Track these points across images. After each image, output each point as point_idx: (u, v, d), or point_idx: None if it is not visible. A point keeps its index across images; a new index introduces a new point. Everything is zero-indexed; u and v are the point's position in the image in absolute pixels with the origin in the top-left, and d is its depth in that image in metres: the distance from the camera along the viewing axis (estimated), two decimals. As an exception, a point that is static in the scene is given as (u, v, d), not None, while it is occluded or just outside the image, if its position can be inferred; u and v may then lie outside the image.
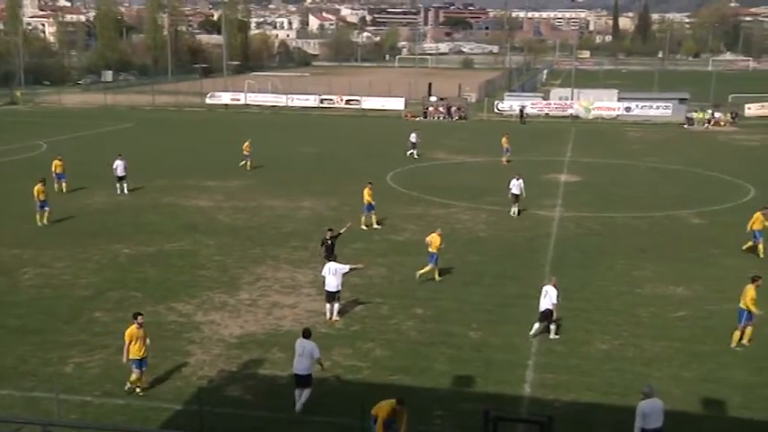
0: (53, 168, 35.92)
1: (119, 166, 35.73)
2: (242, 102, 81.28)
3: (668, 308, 21.06)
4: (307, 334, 15.64)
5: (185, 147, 52.41)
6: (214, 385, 16.41)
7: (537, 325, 18.99)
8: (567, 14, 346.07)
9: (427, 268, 23.28)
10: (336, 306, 20.16)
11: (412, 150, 47.18)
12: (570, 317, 20.36)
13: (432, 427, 14.82)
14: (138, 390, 15.90)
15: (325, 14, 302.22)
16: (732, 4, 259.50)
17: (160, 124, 66.56)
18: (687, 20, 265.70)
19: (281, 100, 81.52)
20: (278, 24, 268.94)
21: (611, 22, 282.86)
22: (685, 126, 65.78)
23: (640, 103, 72.42)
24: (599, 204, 34.43)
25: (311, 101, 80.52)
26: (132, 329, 15.75)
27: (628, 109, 71.85)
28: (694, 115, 67.11)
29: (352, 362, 17.60)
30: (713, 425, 15.04)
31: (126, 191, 35.45)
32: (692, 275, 23.97)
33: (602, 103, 73.01)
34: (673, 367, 17.33)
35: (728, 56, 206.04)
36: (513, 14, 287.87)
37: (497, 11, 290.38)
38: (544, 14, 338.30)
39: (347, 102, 79.30)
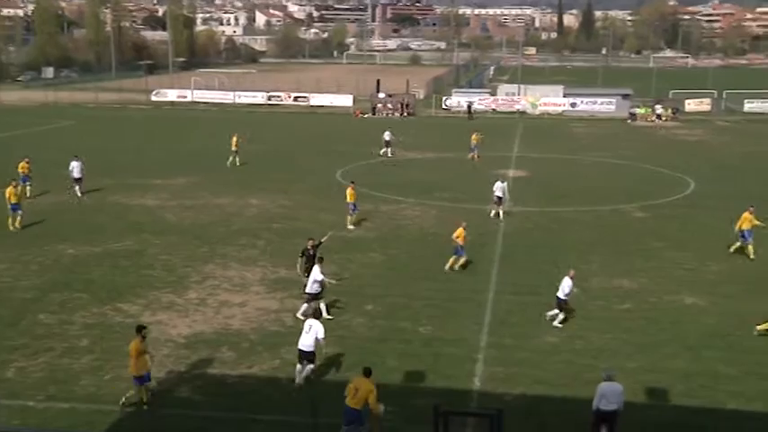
0: (19, 170, 33.57)
1: (75, 167, 34.30)
2: (188, 99, 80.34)
3: (614, 300, 21.45)
4: (316, 315, 16.84)
5: (130, 145, 51.49)
6: (162, 386, 16.14)
7: (554, 311, 19.77)
8: (514, 11, 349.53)
9: (452, 260, 23.79)
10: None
11: (386, 149, 46.67)
12: (519, 310, 20.60)
13: (382, 422, 14.82)
14: (144, 404, 15.14)
15: (271, 11, 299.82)
16: (671, 3, 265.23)
17: (104, 122, 65.29)
18: (629, 17, 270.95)
19: (228, 97, 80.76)
20: (224, 20, 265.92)
21: (555, 19, 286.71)
22: (629, 121, 67.10)
23: (585, 99, 73.66)
24: (546, 199, 34.89)
25: (259, 98, 79.92)
26: (136, 343, 14.96)
27: (573, 105, 73.02)
28: (637, 111, 68.49)
29: (302, 360, 17.50)
30: (658, 413, 15.37)
31: (79, 193, 34.12)
32: (636, 268, 24.46)
33: (549, 99, 74.05)
34: (618, 358, 17.65)
35: (668, 53, 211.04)
36: (461, 11, 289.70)
37: (444, 7, 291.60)
38: (491, 11, 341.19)
39: (295, 99, 78.93)
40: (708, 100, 74.14)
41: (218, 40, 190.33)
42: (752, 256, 25.45)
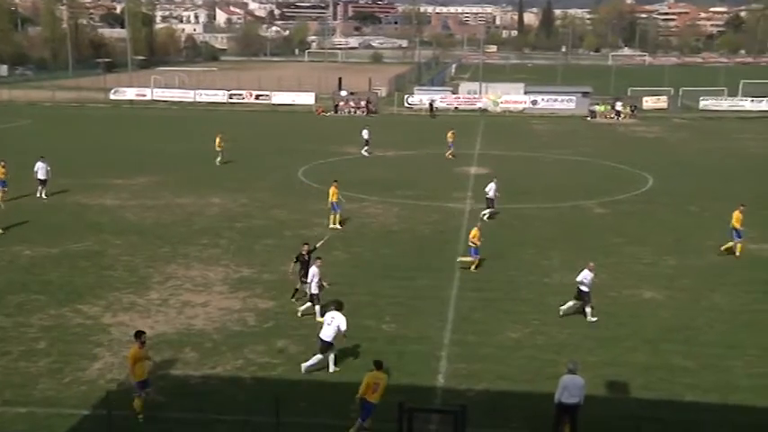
0: None
1: (40, 168, 33.60)
2: (148, 98, 79.37)
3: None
4: (338, 307, 16.87)
5: (89, 144, 50.74)
6: (124, 388, 15.92)
7: (570, 303, 20.05)
8: (474, 9, 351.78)
9: (468, 259, 23.98)
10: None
11: (366, 147, 46.49)
12: (481, 307, 20.76)
13: (346, 421, 14.84)
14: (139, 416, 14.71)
15: (232, 8, 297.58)
16: (628, 2, 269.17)
17: (61, 121, 64.21)
18: (588, 16, 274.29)
19: (188, 95, 79.98)
20: (184, 18, 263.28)
21: (516, 17, 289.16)
22: (588, 119, 67.90)
23: (546, 97, 74.37)
24: (508, 196, 35.11)
25: (220, 96, 79.27)
26: (135, 350, 14.62)
27: (534, 102, 73.67)
28: (596, 108, 69.38)
29: (265, 359, 17.45)
30: (618, 406, 15.61)
31: (44, 195, 33.47)
32: (596, 263, 24.70)
33: (510, 97, 74.63)
34: (580, 353, 17.88)
35: (626, 51, 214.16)
36: (422, 9, 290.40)
37: (406, 6, 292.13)
38: (452, 9, 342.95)
39: (257, 97, 78.45)
40: (665, 97, 75.36)
41: (179, 37, 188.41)
42: (738, 253, 25.44)
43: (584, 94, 74.81)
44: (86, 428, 14.45)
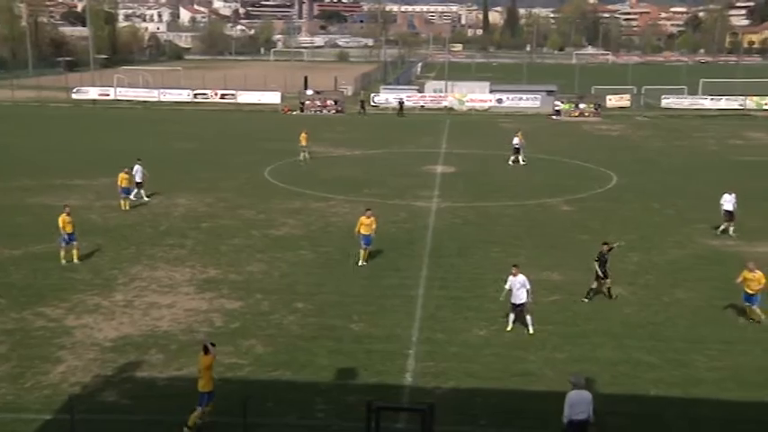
0: None
1: None
2: (111, 97, 78.33)
3: (542, 293, 21.80)
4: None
5: (51, 144, 49.95)
6: (88, 391, 15.75)
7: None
8: (440, 8, 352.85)
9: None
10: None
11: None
12: (449, 305, 20.82)
13: (314, 420, 14.82)
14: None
15: (196, 7, 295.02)
16: (591, 1, 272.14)
17: (22, 121, 63.09)
18: (552, 15, 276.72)
19: (152, 95, 79.11)
20: (147, 17, 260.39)
21: (481, 16, 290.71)
22: (554, 117, 68.48)
23: (511, 95, 74.89)
24: (474, 194, 35.34)
25: (184, 95, 78.53)
26: (210, 359, 14.38)
27: (499, 101, 74.10)
28: (561, 106, 70.00)
29: (232, 360, 17.32)
30: (584, 402, 15.75)
31: None
32: (562, 261, 24.99)
33: (475, 96, 74.98)
34: (547, 350, 18.04)
35: (590, 50, 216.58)
36: (387, 8, 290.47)
37: (371, 4, 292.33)
38: (417, 8, 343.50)
39: (222, 96, 77.84)
40: (628, 96, 76.28)
41: (142, 36, 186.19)
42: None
43: (549, 92, 75.46)
44: (50, 433, 14.23)
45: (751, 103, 72.70)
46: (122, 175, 31.78)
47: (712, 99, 74.33)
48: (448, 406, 15.07)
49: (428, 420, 12.30)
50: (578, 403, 13.10)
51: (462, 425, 14.80)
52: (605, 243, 21.80)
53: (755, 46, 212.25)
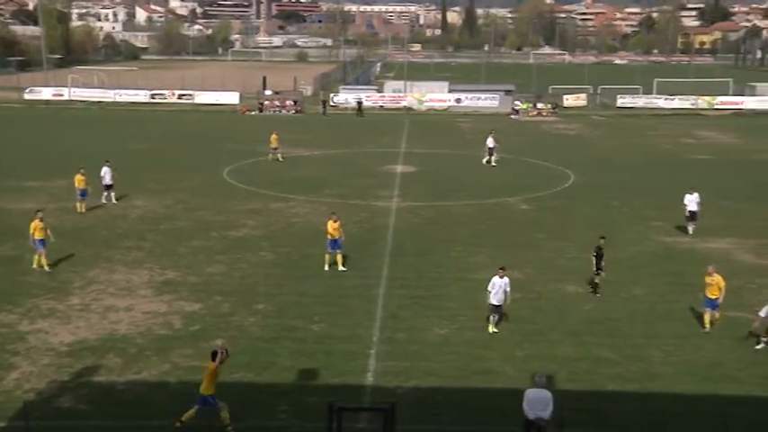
0: None
1: None
2: (65, 97, 76.95)
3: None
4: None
5: (3, 146, 48.86)
6: (43, 397, 15.47)
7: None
8: (398, 8, 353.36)
9: None
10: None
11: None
12: (410, 304, 20.89)
13: (277, 421, 14.76)
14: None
15: (152, 6, 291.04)
16: (548, 1, 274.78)
17: (-27, 122, 61.68)
18: (509, 15, 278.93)
19: (108, 95, 77.91)
20: (102, 16, 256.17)
21: (439, 16, 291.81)
22: (512, 116, 69.06)
23: (470, 95, 75.31)
24: (434, 194, 35.49)
25: (141, 96, 77.50)
26: (212, 366, 14.36)
27: (458, 100, 74.50)
28: (519, 106, 70.63)
29: (193, 362, 17.13)
30: (544, 398, 15.93)
31: None
32: (522, 259, 25.23)
33: (434, 95, 75.29)
34: (507, 347, 18.21)
35: (547, 50, 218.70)
36: (346, 8, 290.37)
37: (330, 4, 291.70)
38: (375, 8, 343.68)
39: (180, 96, 76.99)
40: (584, 95, 77.33)
41: (97, 36, 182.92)
42: None
43: (507, 92, 76.04)
44: (5, 440, 13.95)
45: (702, 102, 74.23)
46: (79, 177, 31.29)
47: (666, 99, 75.71)
48: (410, 405, 15.11)
49: (390, 420, 12.33)
50: (536, 401, 13.27)
51: (424, 423, 14.87)
52: (602, 237, 22.45)
53: (706, 46, 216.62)
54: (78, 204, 31.13)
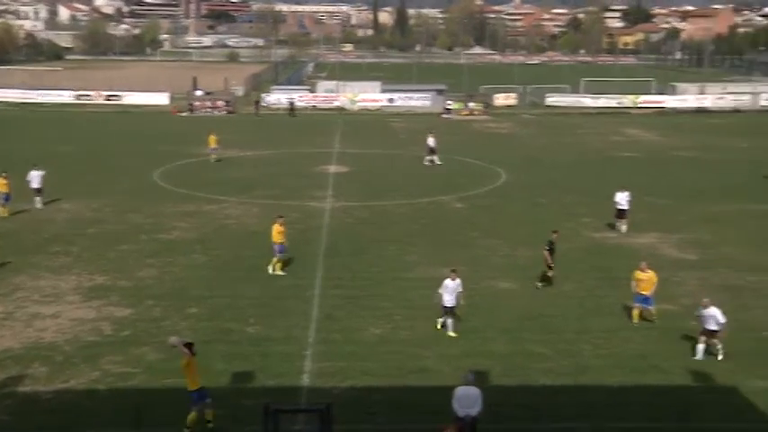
0: None
1: None
2: (-16, 98, 74.41)
3: (436, 289, 22.19)
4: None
5: None
6: (-34, 410, 14.92)
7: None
8: (330, 8, 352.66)
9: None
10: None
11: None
12: (344, 304, 20.87)
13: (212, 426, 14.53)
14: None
15: (76, 4, 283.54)
16: (478, 2, 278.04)
17: None
18: (440, 15, 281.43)
19: (30, 96, 75.61)
20: (22, 14, 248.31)
21: (371, 16, 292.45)
22: (444, 116, 69.63)
23: (402, 95, 75.73)
24: (368, 193, 35.53)
25: (66, 97, 75.44)
26: (184, 359, 14.39)
27: (391, 100, 74.80)
28: (452, 105, 71.28)
29: (124, 369, 16.79)
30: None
31: None
32: (456, 257, 25.38)
33: (367, 95, 75.43)
34: (442, 346, 18.35)
35: (478, 50, 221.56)
36: (277, 8, 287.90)
37: (260, 4, 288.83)
38: (307, 8, 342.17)
39: (107, 97, 75.26)
40: (514, 94, 78.59)
41: (17, 34, 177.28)
42: None
43: (439, 91, 76.74)
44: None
45: (627, 101, 76.32)
46: (1, 181, 30.31)
47: (592, 98, 77.57)
48: (346, 405, 15.10)
49: (326, 420, 12.30)
50: (464, 398, 13.55)
51: (360, 423, 14.88)
52: (555, 231, 22.98)
53: (630, 47, 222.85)
54: (1, 209, 30.12)
